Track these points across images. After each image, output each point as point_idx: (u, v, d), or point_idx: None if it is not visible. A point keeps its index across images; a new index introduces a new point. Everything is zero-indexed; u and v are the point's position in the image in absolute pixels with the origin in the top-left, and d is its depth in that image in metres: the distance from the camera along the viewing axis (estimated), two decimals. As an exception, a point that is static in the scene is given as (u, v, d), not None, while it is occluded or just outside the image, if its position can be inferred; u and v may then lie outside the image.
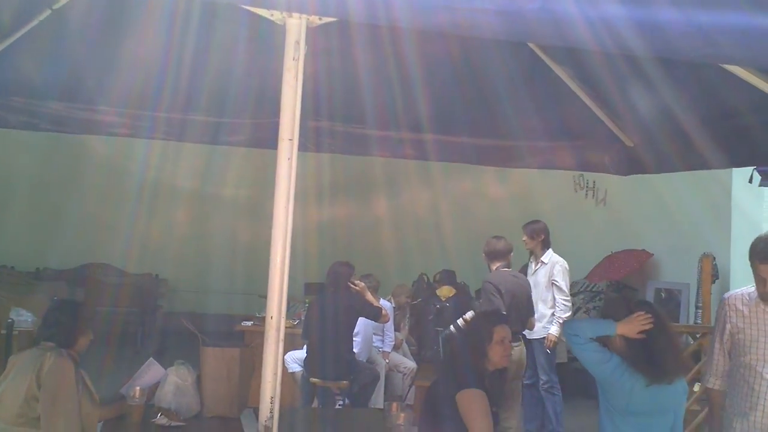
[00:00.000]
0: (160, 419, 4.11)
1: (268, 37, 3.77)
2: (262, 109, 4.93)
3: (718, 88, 3.85)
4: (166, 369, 4.41)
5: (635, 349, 3.69)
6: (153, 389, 4.32)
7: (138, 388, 4.18)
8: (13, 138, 9.78)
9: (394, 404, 4.46)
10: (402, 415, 4.03)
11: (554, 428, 7.28)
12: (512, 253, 7.04)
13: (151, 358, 4.52)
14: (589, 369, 3.78)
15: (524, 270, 7.85)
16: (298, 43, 3.21)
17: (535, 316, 7.30)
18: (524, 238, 7.67)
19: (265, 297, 8.90)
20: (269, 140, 5.27)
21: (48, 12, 4.03)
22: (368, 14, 2.07)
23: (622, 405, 3.73)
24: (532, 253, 7.74)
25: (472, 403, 4.04)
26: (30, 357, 3.99)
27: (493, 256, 6.97)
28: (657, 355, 3.69)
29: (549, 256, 7.62)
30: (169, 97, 4.76)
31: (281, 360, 3.44)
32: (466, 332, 4.57)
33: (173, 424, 4.12)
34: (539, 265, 7.64)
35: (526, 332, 7.23)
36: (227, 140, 5.59)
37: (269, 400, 3.41)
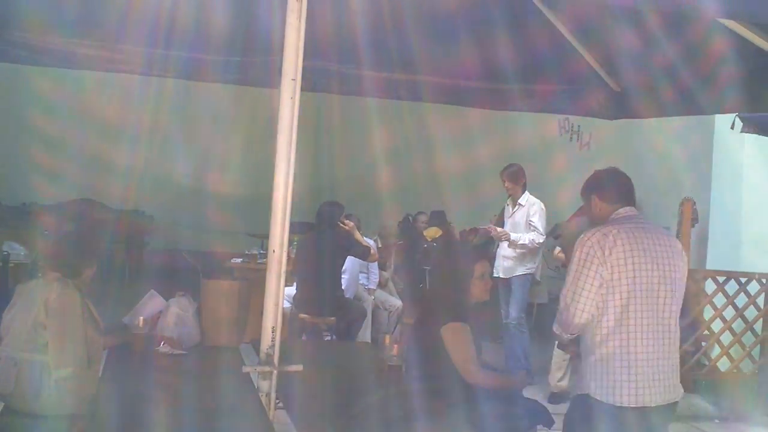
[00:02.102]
0: (163, 347, 4.27)
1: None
2: (254, 47, 5.00)
3: (707, 37, 3.96)
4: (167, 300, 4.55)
5: None
6: (155, 319, 4.47)
7: (141, 317, 4.32)
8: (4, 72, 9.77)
9: (387, 336, 4.65)
10: (395, 346, 4.22)
11: (522, 365, 7.44)
12: None
13: (152, 290, 4.66)
14: None
15: (501, 214, 8.00)
16: (301, -16, 3.31)
17: (515, 256, 7.53)
18: (506, 184, 7.70)
19: (253, 235, 9.09)
20: (261, 79, 5.40)
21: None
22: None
23: None
24: (509, 196, 7.80)
25: (457, 336, 4.23)
26: (37, 286, 4.12)
27: None
28: None
29: (526, 197, 7.68)
30: (164, 34, 4.82)
31: (282, 292, 3.61)
32: (448, 269, 4.72)
33: (175, 352, 4.28)
34: (517, 207, 7.71)
35: (505, 273, 7.48)
36: (219, 78, 5.67)
37: (270, 330, 3.58)
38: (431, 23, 4.79)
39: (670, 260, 3.63)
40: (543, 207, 7.64)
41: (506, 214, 7.89)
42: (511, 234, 7.50)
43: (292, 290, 7.33)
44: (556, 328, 3.75)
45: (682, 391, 3.71)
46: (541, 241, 7.60)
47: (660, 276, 3.59)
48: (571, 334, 3.75)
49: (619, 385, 3.53)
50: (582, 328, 3.66)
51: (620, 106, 5.32)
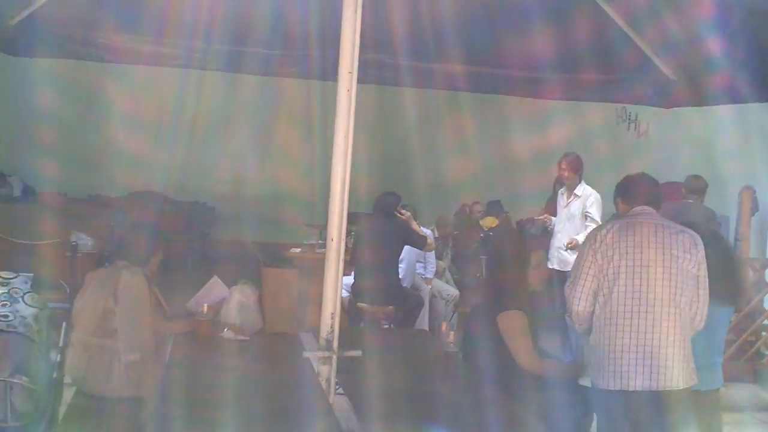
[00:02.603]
0: (227, 334, 4.41)
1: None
2: (312, 42, 5.11)
3: (764, 25, 3.95)
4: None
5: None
6: (217, 306, 4.61)
7: (206, 305, 4.47)
8: (64, 68, 10.03)
9: (444, 324, 4.73)
10: (452, 333, 4.29)
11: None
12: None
13: (215, 277, 4.80)
14: None
15: (551, 204, 7.92)
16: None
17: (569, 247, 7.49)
18: (565, 173, 7.59)
19: (311, 226, 9.23)
20: (320, 71, 5.51)
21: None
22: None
23: None
24: (563, 185, 7.72)
25: (513, 323, 4.30)
26: (106, 274, 4.30)
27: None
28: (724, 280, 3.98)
29: (582, 188, 7.58)
30: (218, 29, 4.96)
31: (341, 279, 3.71)
32: (504, 258, 4.78)
33: (239, 338, 4.42)
34: (572, 198, 7.60)
35: (560, 265, 7.45)
36: (276, 71, 5.80)
37: (330, 317, 3.69)
38: (491, 15, 4.83)
39: (669, 252, 3.74)
40: (599, 198, 7.52)
41: (559, 204, 7.81)
42: (575, 237, 7.34)
43: (350, 279, 7.43)
44: (568, 320, 3.91)
45: (695, 380, 3.77)
46: None
47: (653, 266, 3.72)
48: (579, 326, 3.96)
49: (605, 370, 3.73)
50: (585, 319, 3.89)
51: (676, 95, 5.30)
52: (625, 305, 3.73)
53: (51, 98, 11.68)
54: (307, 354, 3.79)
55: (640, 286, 3.71)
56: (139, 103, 12.56)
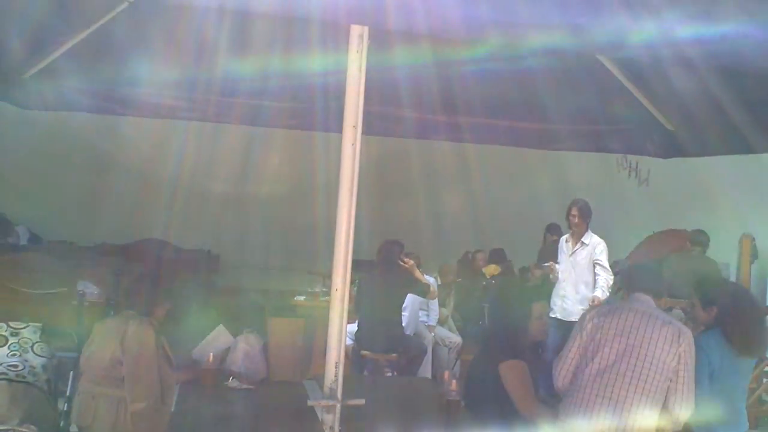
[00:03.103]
0: (232, 382, 4.46)
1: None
2: (301, 94, 5.24)
3: (760, 74, 4.03)
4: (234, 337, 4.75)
5: (733, 328, 4.25)
6: (222, 355, 4.66)
7: (212, 353, 4.52)
8: (71, 119, 10.17)
9: (446, 372, 4.77)
10: (454, 381, 4.33)
11: None
12: None
13: (220, 325, 4.87)
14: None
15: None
16: (361, 36, 3.50)
17: (576, 297, 7.51)
18: (576, 220, 7.60)
19: (314, 273, 9.27)
20: (308, 123, 5.65)
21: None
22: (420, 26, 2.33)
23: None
24: (555, 233, 7.77)
25: (516, 373, 4.35)
26: (114, 324, 4.36)
27: None
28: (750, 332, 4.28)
29: (590, 237, 7.61)
30: (217, 81, 5.09)
31: (345, 329, 3.76)
32: (507, 307, 4.84)
33: (243, 386, 4.47)
34: (579, 245, 7.63)
35: (563, 314, 7.47)
36: (268, 122, 5.92)
37: (334, 366, 3.73)
38: (489, 68, 4.92)
39: (650, 343, 3.86)
40: (606, 246, 7.59)
41: (563, 251, 7.80)
42: (597, 293, 7.39)
43: (353, 327, 7.46)
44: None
45: None
46: (611, 279, 7.55)
47: (630, 355, 3.86)
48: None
49: None
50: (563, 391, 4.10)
51: (674, 145, 5.38)
52: (593, 387, 3.90)
53: (59, 149, 11.85)
54: (311, 403, 3.82)
55: (613, 371, 3.87)
56: (146, 154, 12.71)
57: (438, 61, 4.64)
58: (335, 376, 3.71)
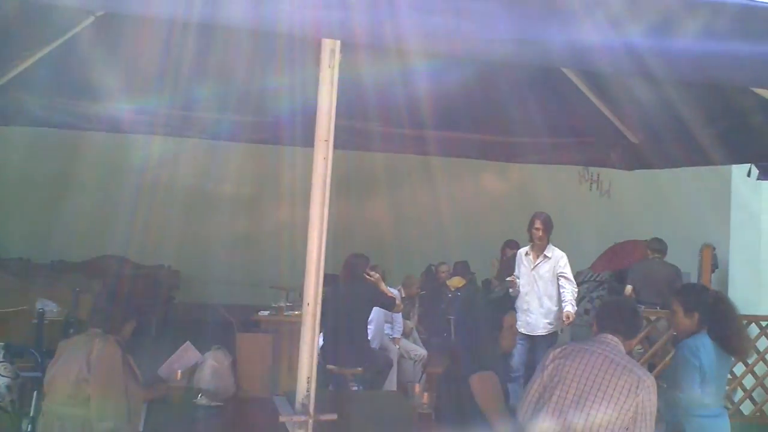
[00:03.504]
0: (201, 399, 4.40)
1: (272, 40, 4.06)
2: (263, 108, 5.20)
3: (721, 89, 4.09)
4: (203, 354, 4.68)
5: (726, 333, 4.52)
6: (190, 372, 4.60)
7: (179, 371, 4.46)
8: (29, 135, 10.02)
9: (416, 385, 4.76)
10: (425, 394, 4.32)
11: None
12: None
13: (187, 342, 4.80)
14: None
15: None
16: (333, 51, 3.48)
17: (541, 311, 7.54)
18: (539, 233, 7.60)
19: (277, 288, 9.22)
20: (269, 138, 5.61)
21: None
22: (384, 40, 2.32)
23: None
24: (532, 245, 7.73)
25: (487, 385, 4.34)
26: (79, 342, 4.28)
27: None
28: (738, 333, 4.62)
29: (552, 250, 7.63)
30: (177, 94, 5.03)
31: (317, 344, 3.73)
32: (476, 319, 4.85)
33: (213, 404, 4.41)
34: (542, 259, 7.62)
35: (527, 329, 7.49)
36: (228, 136, 5.87)
37: (306, 380, 3.70)
38: (456, 81, 4.93)
39: (606, 390, 3.79)
40: (567, 258, 7.63)
41: (524, 265, 7.76)
42: (569, 311, 7.44)
43: (319, 341, 7.41)
44: None
45: None
46: (576, 292, 7.60)
47: (581, 400, 3.82)
48: None
49: None
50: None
51: (638, 157, 5.42)
52: (548, 429, 3.87)
53: (13, 164, 11.67)
54: (283, 418, 3.78)
55: (568, 415, 3.83)
56: (103, 169, 12.58)
57: (404, 73, 4.63)
58: (307, 391, 3.68)
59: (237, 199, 13.42)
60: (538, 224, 7.62)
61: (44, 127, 5.43)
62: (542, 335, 7.51)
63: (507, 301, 7.52)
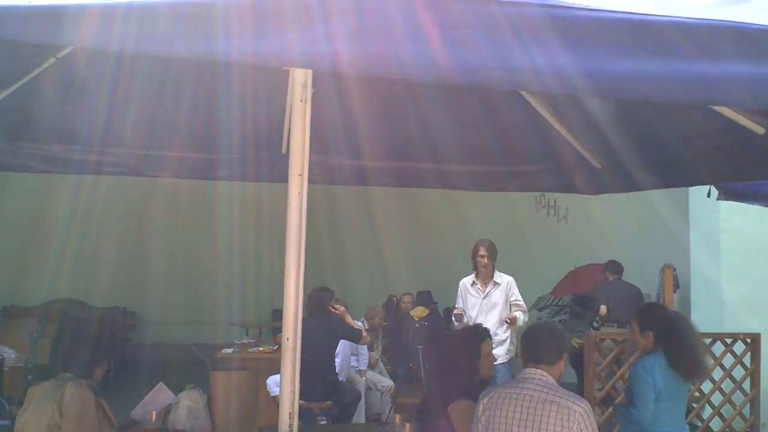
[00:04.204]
0: (177, 441, 4.32)
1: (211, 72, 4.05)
2: (196, 144, 5.18)
3: (681, 113, 4.17)
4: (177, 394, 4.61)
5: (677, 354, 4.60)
6: (165, 412, 4.52)
7: (154, 412, 4.38)
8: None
9: (397, 417, 4.73)
10: (407, 425, 4.30)
11: None
12: None
13: (160, 383, 4.73)
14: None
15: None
16: (305, 86, 3.49)
17: (497, 340, 7.39)
18: (485, 260, 7.37)
19: (238, 324, 9.12)
20: (253, 175, 5.58)
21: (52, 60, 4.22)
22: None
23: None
24: (477, 273, 7.48)
25: (465, 414, 4.33)
26: (50, 388, 4.19)
27: None
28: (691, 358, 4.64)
29: (500, 276, 7.44)
30: (159, 135, 4.98)
31: (298, 379, 3.70)
32: (453, 349, 4.85)
33: (189, 445, 4.34)
34: (492, 286, 7.42)
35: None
36: (202, 174, 5.82)
37: (288, 416, 3.66)
38: (415, 110, 4.94)
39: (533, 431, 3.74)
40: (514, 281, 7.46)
41: (471, 294, 7.52)
42: (518, 316, 7.30)
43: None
44: None
45: None
46: (527, 317, 7.50)
47: None
48: None
49: None
50: None
51: (601, 182, 5.46)
52: None
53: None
54: (266, 456, 3.74)
55: None
56: (51, 211, 12.40)
57: (352, 101, 4.61)
58: (289, 427, 3.64)
59: (185, 238, 13.32)
60: (482, 251, 7.40)
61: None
62: (501, 363, 7.23)
63: (483, 329, 7.46)
